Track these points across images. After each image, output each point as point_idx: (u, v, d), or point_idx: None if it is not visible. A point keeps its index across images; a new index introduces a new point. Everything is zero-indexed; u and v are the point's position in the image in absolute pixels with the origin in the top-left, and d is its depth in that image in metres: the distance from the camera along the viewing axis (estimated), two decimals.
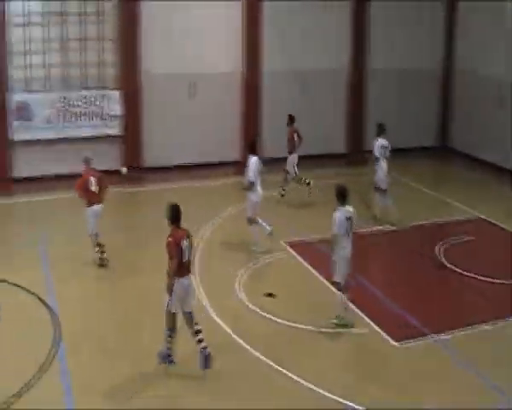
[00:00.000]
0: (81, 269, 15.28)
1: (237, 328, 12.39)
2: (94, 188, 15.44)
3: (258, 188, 16.19)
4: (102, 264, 15.45)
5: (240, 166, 23.55)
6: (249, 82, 24.20)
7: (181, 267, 10.88)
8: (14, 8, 22.15)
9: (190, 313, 11.16)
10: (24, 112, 22.39)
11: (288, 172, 20.21)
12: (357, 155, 24.99)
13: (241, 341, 11.98)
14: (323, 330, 12.41)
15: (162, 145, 23.52)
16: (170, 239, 10.83)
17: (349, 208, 12.60)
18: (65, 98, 22.84)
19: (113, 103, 23.18)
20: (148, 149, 23.43)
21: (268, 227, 16.25)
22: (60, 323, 12.64)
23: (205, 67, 23.73)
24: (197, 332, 11.16)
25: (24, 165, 22.37)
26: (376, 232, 17.51)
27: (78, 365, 11.34)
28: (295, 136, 20.30)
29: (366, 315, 13.00)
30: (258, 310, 13.13)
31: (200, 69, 23.71)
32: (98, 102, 23.17)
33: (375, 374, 11.21)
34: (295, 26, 24.48)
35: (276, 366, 11.17)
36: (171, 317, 11.08)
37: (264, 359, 11.39)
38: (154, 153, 23.51)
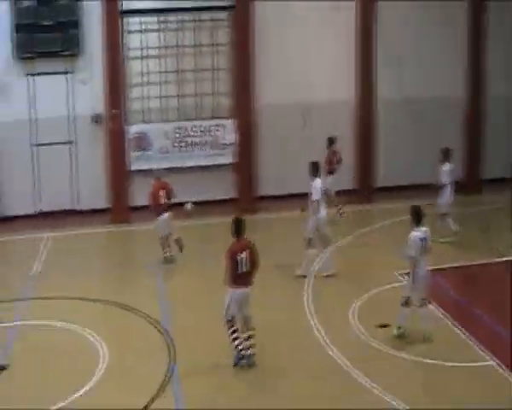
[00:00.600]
0: (195, 297, 15.49)
1: (353, 359, 12.13)
2: (163, 200, 17.82)
3: (322, 209, 16.33)
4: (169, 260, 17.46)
5: (351, 195, 23.47)
6: (362, 111, 24.01)
7: (236, 278, 11.79)
8: (132, 42, 22.89)
9: (247, 317, 12.10)
10: (142, 142, 23.01)
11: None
12: (473, 183, 24.34)
13: (359, 374, 11.70)
14: (442, 363, 12.00)
15: (275, 174, 23.60)
16: (227, 251, 11.85)
17: (423, 229, 12.83)
18: (180, 128, 23.34)
19: (227, 132, 23.47)
20: (260, 177, 23.55)
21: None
22: (175, 347, 12.80)
23: (317, 97, 23.67)
24: (250, 337, 12.10)
25: (141, 194, 22.93)
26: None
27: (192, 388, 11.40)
28: (334, 158, 20.78)
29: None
30: (373, 340, 12.84)
31: (313, 99, 23.67)
32: (212, 132, 23.53)
33: None
34: (409, 54, 24.16)
35: (399, 402, 10.83)
36: (229, 324, 12.06)
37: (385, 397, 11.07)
38: (265, 182, 23.61)
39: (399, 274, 16.02)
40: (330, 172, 20.61)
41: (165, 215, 17.88)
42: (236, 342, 12.11)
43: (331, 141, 21.00)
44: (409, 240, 12.78)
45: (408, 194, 22.23)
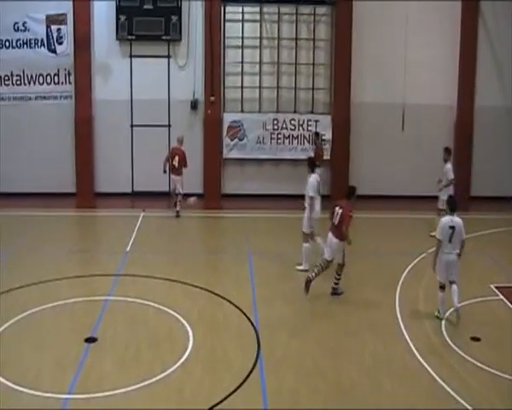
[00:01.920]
0: (285, 287, 15.50)
1: (442, 371, 11.86)
2: (176, 163, 20.92)
3: (317, 205, 16.40)
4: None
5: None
6: (462, 117, 23.51)
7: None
8: (231, 31, 22.99)
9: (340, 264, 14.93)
10: (237, 131, 23.12)
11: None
12: None
13: (447, 387, 11.44)
14: None
15: (368, 173, 23.37)
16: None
17: (455, 219, 13.64)
18: (276, 120, 23.34)
19: (324, 128, 23.34)
20: (354, 176, 23.34)
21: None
22: (260, 340, 12.77)
23: (416, 99, 23.28)
24: (338, 277, 15.05)
25: (233, 182, 23.12)
26: None
27: (277, 383, 11.35)
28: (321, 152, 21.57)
29: None
30: (465, 354, 12.52)
31: (411, 100, 23.29)
32: (308, 126, 23.44)
33: None
34: None
35: None
36: (327, 263, 14.80)
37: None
38: (360, 180, 23.33)
39: (495, 287, 15.64)
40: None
41: (175, 177, 21.08)
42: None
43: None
44: (440, 223, 13.79)
45: (501, 206, 21.90)
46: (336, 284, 15.19)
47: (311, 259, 16.04)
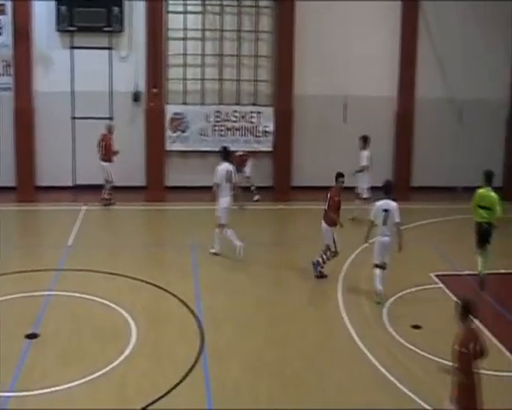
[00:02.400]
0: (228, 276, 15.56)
1: (384, 359, 12.03)
2: (103, 149, 21.20)
3: (224, 195, 16.63)
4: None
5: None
6: (403, 108, 23.83)
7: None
8: (174, 22, 22.88)
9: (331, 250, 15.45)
10: (179, 123, 23.04)
11: None
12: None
13: (388, 375, 11.61)
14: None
15: (310, 165, 23.52)
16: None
17: (389, 202, 14.23)
18: (220, 112, 23.32)
19: (266, 120, 23.42)
20: (297, 167, 23.48)
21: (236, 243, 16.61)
22: (203, 331, 12.79)
23: (358, 90, 23.49)
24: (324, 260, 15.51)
25: (176, 174, 23.05)
26: None
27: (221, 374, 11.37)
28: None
29: None
30: (406, 343, 12.72)
31: (353, 92, 23.49)
32: (251, 118, 23.48)
33: None
34: (454, 52, 23.90)
35: (429, 407, 10.69)
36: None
37: (415, 397, 10.92)
38: (302, 172, 23.54)
39: (436, 275, 15.92)
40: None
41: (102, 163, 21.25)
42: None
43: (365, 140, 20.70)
44: (374, 206, 14.52)
45: (441, 196, 22.31)
46: (322, 267, 15.65)
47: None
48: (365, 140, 20.22)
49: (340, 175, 15.75)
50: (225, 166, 16.75)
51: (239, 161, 21.15)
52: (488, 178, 15.44)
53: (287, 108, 23.23)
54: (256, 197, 22.06)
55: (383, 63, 23.73)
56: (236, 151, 21.42)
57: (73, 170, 22.96)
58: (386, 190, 14.46)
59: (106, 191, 21.14)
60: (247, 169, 22.06)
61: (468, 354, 8.82)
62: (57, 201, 21.50)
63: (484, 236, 15.26)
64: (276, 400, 10.72)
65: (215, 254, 16.81)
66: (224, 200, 16.69)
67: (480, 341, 9.04)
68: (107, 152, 21.17)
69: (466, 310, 9.31)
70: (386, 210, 14.19)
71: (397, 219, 14.21)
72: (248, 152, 22.58)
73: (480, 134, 24.12)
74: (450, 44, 23.80)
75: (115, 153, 21.11)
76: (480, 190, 15.35)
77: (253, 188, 22.14)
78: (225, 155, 17.16)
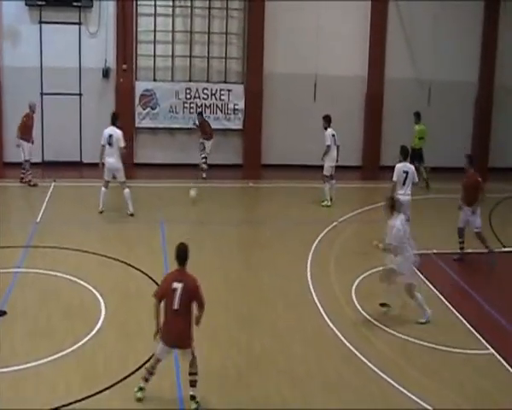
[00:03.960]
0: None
1: (352, 337, 12.17)
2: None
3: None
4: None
5: (359, 172, 23.57)
6: (372, 88, 23.93)
7: None
8: None
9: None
10: (149, 100, 22.93)
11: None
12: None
13: (356, 351, 11.74)
14: (436, 346, 12.04)
15: (280, 143, 23.56)
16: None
17: (407, 165, 15.87)
18: (189, 89, 23.23)
19: (236, 98, 23.39)
20: (266, 145, 23.51)
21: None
22: None
23: (328, 70, 23.58)
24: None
25: (145, 151, 22.97)
26: None
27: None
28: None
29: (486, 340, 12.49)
30: (373, 320, 12.86)
31: (324, 71, 23.57)
32: (221, 96, 23.43)
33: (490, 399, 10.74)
34: (424, 34, 24.02)
35: (394, 383, 10.81)
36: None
37: (381, 373, 11.05)
38: (272, 150, 23.58)
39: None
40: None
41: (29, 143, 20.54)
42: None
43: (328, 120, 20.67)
44: (396, 168, 15.85)
45: None
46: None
47: None
48: (327, 119, 19.99)
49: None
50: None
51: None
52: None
53: (257, 86, 23.22)
54: (204, 175, 21.98)
55: (353, 43, 23.85)
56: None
57: (42, 146, 22.75)
58: (404, 155, 16.09)
59: (26, 172, 20.60)
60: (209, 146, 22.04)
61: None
62: None
63: None
64: (245, 376, 10.80)
65: None
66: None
67: None
68: (27, 131, 20.54)
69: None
70: (405, 172, 15.71)
71: (416, 180, 16.00)
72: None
73: (448, 115, 24.32)
74: (420, 26, 23.96)
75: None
76: None
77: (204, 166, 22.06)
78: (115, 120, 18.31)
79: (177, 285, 9.32)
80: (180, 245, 9.62)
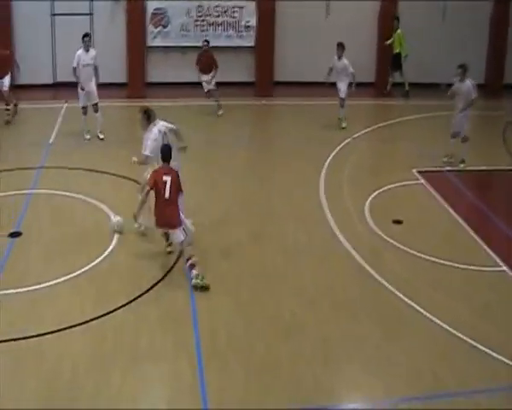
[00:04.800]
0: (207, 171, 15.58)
1: (364, 253, 12.20)
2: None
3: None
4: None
5: (373, 89, 23.26)
6: (385, 5, 23.37)
7: None
8: None
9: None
10: (161, 19, 22.61)
11: None
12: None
13: (367, 267, 11.78)
14: (449, 263, 12.05)
15: (292, 60, 23.20)
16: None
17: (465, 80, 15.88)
18: (201, 7, 22.86)
19: (248, 15, 22.99)
20: (278, 62, 23.18)
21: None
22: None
23: None
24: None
25: (157, 70, 22.76)
26: None
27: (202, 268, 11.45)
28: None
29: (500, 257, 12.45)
30: (386, 237, 12.85)
31: None
32: (233, 13, 23.05)
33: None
34: None
35: (407, 299, 10.84)
36: None
37: (394, 290, 11.11)
38: (284, 67, 23.24)
39: (417, 172, 16.01)
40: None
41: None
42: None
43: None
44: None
45: (425, 93, 22.19)
46: None
47: None
48: (341, 47, 19.10)
49: None
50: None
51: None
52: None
53: (269, 2, 22.74)
54: (220, 112, 20.53)
55: None
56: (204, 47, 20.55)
57: (54, 67, 22.57)
58: (463, 71, 15.81)
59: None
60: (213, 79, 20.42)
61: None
62: (37, 99, 21.18)
63: None
64: (257, 290, 10.93)
65: None
66: None
67: None
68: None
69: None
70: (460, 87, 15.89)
71: (474, 95, 15.85)
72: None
73: (463, 32, 23.76)
74: None
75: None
76: None
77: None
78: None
79: (167, 178, 10.90)
80: (164, 147, 11.32)
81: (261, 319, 10.21)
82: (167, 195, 10.88)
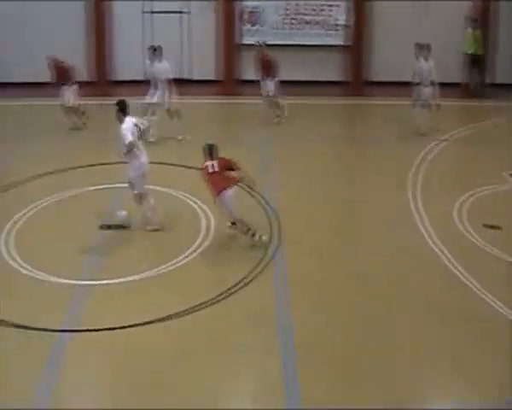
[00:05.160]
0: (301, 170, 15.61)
1: (455, 257, 11.96)
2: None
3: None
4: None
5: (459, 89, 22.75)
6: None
7: None
8: None
9: None
10: (254, 17, 22.74)
11: None
12: None
13: (458, 272, 11.55)
14: None
15: (389, 59, 22.93)
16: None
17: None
18: (292, 5, 22.87)
19: (341, 13, 22.87)
20: (373, 62, 22.95)
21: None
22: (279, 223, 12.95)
23: None
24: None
25: (250, 68, 22.85)
26: None
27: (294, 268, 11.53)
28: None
29: None
30: (478, 241, 12.56)
31: None
32: (326, 11, 22.98)
33: None
34: None
35: (497, 304, 10.51)
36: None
37: (485, 294, 10.80)
38: (379, 66, 23.00)
39: (509, 174, 15.61)
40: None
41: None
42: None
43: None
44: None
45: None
46: None
47: None
48: (422, 47, 18.38)
49: None
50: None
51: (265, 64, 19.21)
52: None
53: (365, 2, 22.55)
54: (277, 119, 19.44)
55: None
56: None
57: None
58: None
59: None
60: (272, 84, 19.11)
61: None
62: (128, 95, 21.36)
63: None
64: (348, 293, 10.89)
65: None
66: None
67: None
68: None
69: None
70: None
71: None
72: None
73: None
74: None
75: None
76: None
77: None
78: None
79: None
80: (210, 145, 12.18)
81: (349, 320, 10.16)
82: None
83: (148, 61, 18.14)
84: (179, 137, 17.56)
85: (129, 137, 12.09)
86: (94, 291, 10.76)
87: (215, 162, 11.94)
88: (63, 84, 18.38)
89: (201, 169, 12.11)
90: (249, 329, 9.87)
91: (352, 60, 22.87)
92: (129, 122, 12.30)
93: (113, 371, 8.95)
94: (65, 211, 13.55)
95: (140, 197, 12.58)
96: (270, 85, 18.89)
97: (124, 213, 12.74)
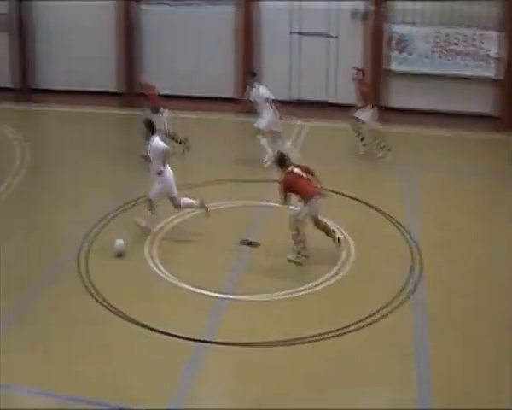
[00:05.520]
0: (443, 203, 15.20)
1: None
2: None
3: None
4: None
5: None
6: None
7: None
8: None
9: None
10: (403, 44, 22.48)
11: None
12: None
13: None
14: None
15: None
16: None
17: None
18: (442, 34, 22.43)
19: (492, 45, 22.19)
20: None
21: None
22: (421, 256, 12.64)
23: None
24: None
25: (399, 95, 22.60)
26: None
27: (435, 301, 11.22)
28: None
29: None
30: None
31: None
32: (476, 42, 22.38)
33: None
34: None
35: None
36: None
37: None
38: None
39: None
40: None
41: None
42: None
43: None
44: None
45: None
46: None
47: None
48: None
49: None
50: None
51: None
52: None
53: None
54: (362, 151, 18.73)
55: None
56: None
57: (290, 85, 23.26)
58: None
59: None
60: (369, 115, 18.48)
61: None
62: None
63: None
64: (472, 325, 10.56)
65: None
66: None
67: None
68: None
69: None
70: None
71: None
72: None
73: None
74: None
75: None
76: None
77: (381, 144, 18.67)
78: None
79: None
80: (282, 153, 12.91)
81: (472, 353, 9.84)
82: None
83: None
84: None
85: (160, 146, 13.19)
86: (234, 305, 10.90)
87: (296, 169, 12.24)
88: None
89: (287, 174, 12.10)
90: (388, 357, 9.75)
91: (503, 94, 22.07)
92: (157, 139, 13.31)
93: (245, 386, 9.05)
94: (208, 224, 13.70)
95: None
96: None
97: (121, 242, 12.63)
